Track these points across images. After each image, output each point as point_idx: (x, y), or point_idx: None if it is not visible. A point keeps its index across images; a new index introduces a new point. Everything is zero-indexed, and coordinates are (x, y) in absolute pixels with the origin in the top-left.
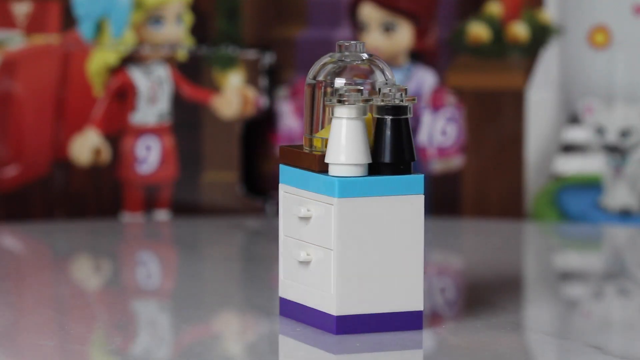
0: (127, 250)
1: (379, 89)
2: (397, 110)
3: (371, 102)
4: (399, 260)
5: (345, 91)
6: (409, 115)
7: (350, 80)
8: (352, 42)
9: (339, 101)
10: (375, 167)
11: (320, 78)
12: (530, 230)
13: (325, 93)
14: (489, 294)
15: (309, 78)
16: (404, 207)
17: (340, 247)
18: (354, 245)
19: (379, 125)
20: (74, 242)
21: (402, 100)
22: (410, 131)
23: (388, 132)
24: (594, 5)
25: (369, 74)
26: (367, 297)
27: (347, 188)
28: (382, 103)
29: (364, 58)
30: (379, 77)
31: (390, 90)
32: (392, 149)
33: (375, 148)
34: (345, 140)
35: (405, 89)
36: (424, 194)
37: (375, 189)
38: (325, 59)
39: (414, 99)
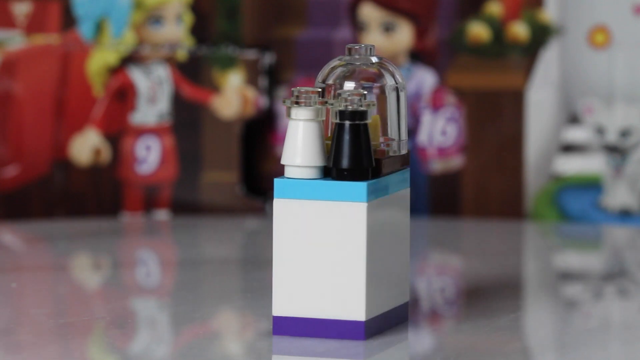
0: (126, 249)
1: (338, 94)
2: (356, 116)
3: (327, 105)
4: (338, 268)
5: (303, 92)
6: (368, 121)
7: (359, 84)
8: (362, 45)
9: (296, 103)
10: (333, 172)
11: (330, 82)
12: (530, 230)
13: (335, 97)
14: (488, 294)
15: (318, 82)
16: (344, 213)
17: (276, 248)
18: (290, 248)
19: (337, 130)
20: (73, 241)
21: (361, 105)
22: (369, 136)
23: (347, 137)
24: (594, 5)
25: (378, 77)
26: (302, 300)
27: (284, 189)
28: (341, 108)
29: (374, 62)
30: (388, 81)
31: (349, 94)
32: (351, 155)
33: (333, 153)
34: (301, 142)
35: (365, 94)
36: (425, 195)
37: (315, 192)
38: (335, 62)
39: (372, 104)
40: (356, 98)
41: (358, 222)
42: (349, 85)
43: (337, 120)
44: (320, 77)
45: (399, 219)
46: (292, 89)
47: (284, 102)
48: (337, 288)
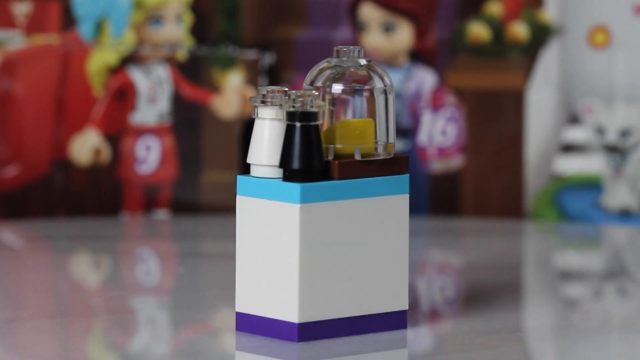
0: (126, 248)
1: (289, 95)
2: (307, 117)
3: (282, 107)
4: (278, 268)
5: (269, 92)
6: (319, 122)
7: (348, 86)
8: (350, 47)
9: (262, 102)
10: (284, 173)
11: (319, 84)
12: (530, 230)
13: (323, 99)
14: (488, 293)
15: (306, 84)
16: (283, 214)
17: (238, 245)
18: (248, 245)
19: (288, 131)
20: (73, 239)
21: (312, 106)
22: (320, 137)
23: (297, 139)
24: (594, 5)
25: (367, 79)
26: (256, 298)
27: (245, 187)
28: (291, 109)
29: (363, 64)
30: (377, 83)
31: (300, 95)
32: (301, 156)
33: (284, 154)
34: (267, 141)
35: (317, 95)
36: (425, 195)
37: (266, 191)
38: (323, 64)
39: (323, 105)
40: (307, 99)
41: (292, 224)
42: (337, 87)
43: (287, 121)
44: (308, 79)
45: (372, 225)
46: (259, 87)
47: (250, 101)
48: (277, 288)
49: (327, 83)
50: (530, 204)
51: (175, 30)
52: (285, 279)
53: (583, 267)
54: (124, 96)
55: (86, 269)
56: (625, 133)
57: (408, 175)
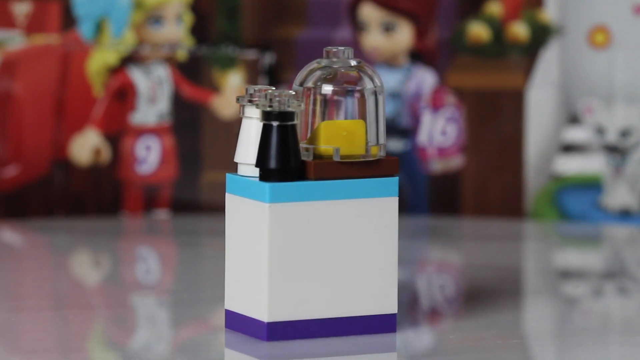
0: (126, 246)
1: (265, 95)
2: (284, 116)
3: (259, 107)
4: (253, 267)
5: (256, 91)
6: (296, 122)
7: (338, 86)
8: (340, 48)
9: (250, 101)
10: (260, 173)
11: (309, 85)
12: (530, 229)
13: (315, 100)
14: (488, 293)
15: (296, 84)
16: (256, 213)
17: (226, 242)
18: (231, 242)
19: (264, 130)
20: (73, 238)
21: (288, 106)
22: (297, 137)
23: (274, 138)
24: (594, 5)
25: (357, 80)
26: (238, 296)
27: (231, 185)
28: (268, 109)
29: (353, 64)
30: (367, 84)
31: (277, 95)
32: (278, 155)
33: (260, 153)
34: (254, 140)
35: (293, 95)
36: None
37: (246, 190)
38: (313, 65)
39: (299, 105)
40: (284, 99)
41: (263, 223)
42: (327, 88)
43: (264, 121)
44: (298, 80)
45: (353, 227)
46: (247, 87)
47: (237, 100)
48: (252, 287)
49: (317, 84)
50: (530, 204)
51: (175, 30)
52: (258, 277)
53: (583, 266)
54: (124, 96)
55: (86, 268)
56: (625, 133)
57: (396, 178)
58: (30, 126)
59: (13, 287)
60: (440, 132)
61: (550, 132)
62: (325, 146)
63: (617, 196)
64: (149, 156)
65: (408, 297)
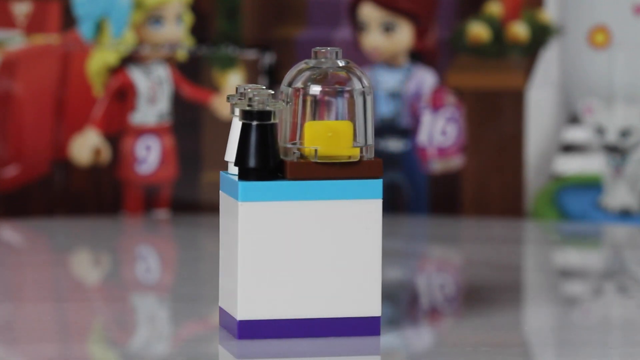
0: (126, 245)
1: (245, 93)
2: (263, 116)
3: (236, 106)
4: (230, 265)
5: (256, 94)
6: (275, 121)
7: (328, 87)
8: (328, 48)
9: (240, 100)
10: (239, 172)
11: (297, 85)
12: (530, 228)
13: (303, 101)
14: (488, 291)
15: (284, 85)
16: (234, 212)
17: (220, 240)
18: (221, 240)
19: (244, 130)
20: (73, 237)
21: (267, 105)
22: (276, 136)
23: (253, 137)
24: (594, 5)
25: (346, 81)
26: (222, 293)
27: (223, 184)
28: (247, 108)
29: (341, 65)
30: (356, 85)
31: (256, 94)
32: (257, 154)
33: (239, 152)
34: None
35: (272, 93)
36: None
37: (230, 189)
38: (301, 65)
39: (278, 104)
40: (263, 98)
41: (235, 221)
42: (315, 88)
43: (243, 120)
44: (286, 80)
45: (332, 229)
46: (237, 86)
47: (228, 99)
48: (230, 285)
49: (306, 84)
50: (530, 204)
51: (175, 30)
52: (233, 275)
53: (583, 265)
54: (124, 96)
55: (86, 267)
56: (625, 133)
57: (380, 180)
58: (30, 126)
59: (13, 286)
60: (440, 132)
61: (550, 132)
62: (307, 147)
63: (617, 196)
64: (149, 156)
65: (408, 296)
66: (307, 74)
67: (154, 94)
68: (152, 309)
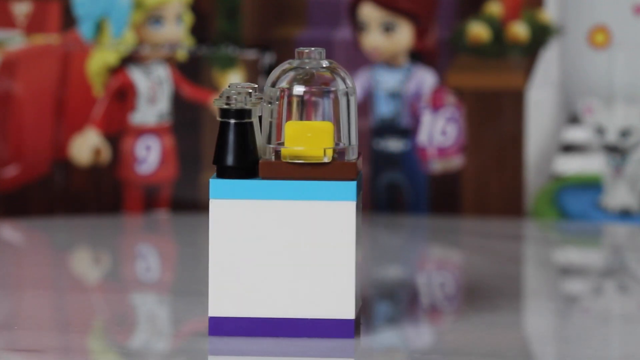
0: (126, 244)
1: (222, 92)
2: (241, 114)
3: (215, 104)
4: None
5: (234, 93)
6: (253, 119)
7: (312, 88)
8: (312, 49)
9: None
10: (217, 170)
11: (281, 85)
12: (530, 227)
13: (287, 101)
14: (488, 290)
15: (268, 85)
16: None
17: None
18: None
19: (222, 128)
20: (73, 236)
21: (246, 104)
22: (254, 135)
23: (231, 136)
24: (594, 5)
25: (330, 81)
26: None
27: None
28: (225, 106)
29: (325, 65)
30: (340, 85)
31: (234, 93)
32: (235, 153)
33: (217, 151)
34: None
35: (250, 92)
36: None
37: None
38: (285, 65)
39: (257, 102)
40: (242, 96)
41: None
42: (299, 89)
43: (221, 119)
44: (270, 81)
45: (302, 229)
46: (230, 84)
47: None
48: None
49: (290, 84)
50: (530, 204)
51: (175, 30)
52: (209, 274)
53: (583, 264)
54: (124, 96)
55: (86, 266)
56: (625, 133)
57: (353, 182)
58: (30, 126)
59: (13, 284)
60: (440, 132)
61: (550, 132)
62: (281, 146)
63: (617, 196)
64: (149, 156)
65: (408, 294)
66: (291, 74)
67: (154, 94)
68: (152, 307)
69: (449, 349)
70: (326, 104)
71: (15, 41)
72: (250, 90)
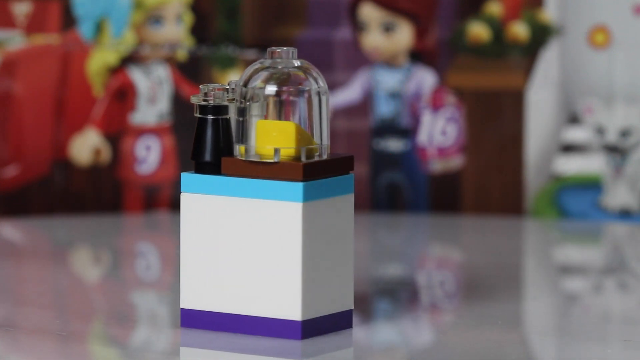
0: (126, 243)
1: (200, 89)
2: (218, 110)
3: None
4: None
5: (211, 90)
6: (228, 116)
7: (283, 87)
8: (284, 48)
9: (205, 100)
10: (196, 166)
11: (253, 84)
12: (530, 226)
13: (262, 101)
14: (488, 288)
15: (239, 84)
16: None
17: None
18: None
19: (200, 124)
20: (73, 235)
21: (223, 100)
22: (230, 131)
23: (209, 132)
24: (594, 5)
25: (302, 81)
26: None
27: None
28: (203, 102)
29: (296, 65)
30: (312, 85)
31: (212, 89)
32: (212, 149)
33: (195, 147)
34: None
35: (227, 89)
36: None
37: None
38: (257, 65)
39: (233, 100)
40: (219, 93)
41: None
42: (271, 88)
43: (199, 115)
44: (242, 80)
45: (256, 227)
46: (229, 81)
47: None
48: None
49: (261, 84)
50: (530, 204)
51: (175, 30)
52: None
53: (583, 262)
54: (124, 96)
55: (86, 264)
56: (625, 133)
57: (299, 183)
58: (30, 126)
59: (13, 284)
60: (440, 132)
61: (550, 132)
62: (261, 145)
63: (617, 196)
64: (149, 156)
65: (408, 292)
66: (263, 73)
67: (154, 94)
68: (153, 306)
69: (448, 347)
70: (298, 104)
71: (15, 41)
72: (228, 87)
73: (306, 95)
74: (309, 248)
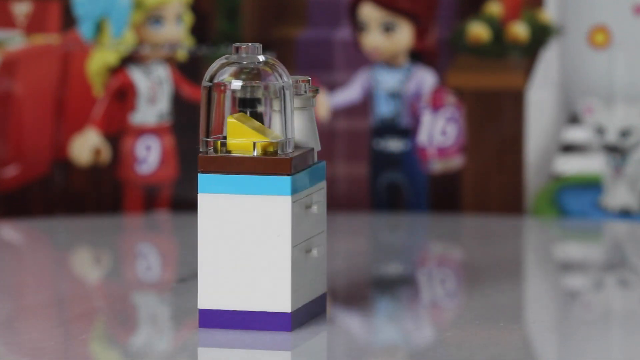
0: (127, 243)
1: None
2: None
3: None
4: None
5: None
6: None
7: (247, 82)
8: (249, 44)
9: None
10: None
11: (219, 80)
12: (530, 225)
13: (225, 96)
14: (488, 285)
15: (206, 80)
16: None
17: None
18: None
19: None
20: (73, 236)
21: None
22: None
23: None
24: (594, 5)
25: (267, 76)
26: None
27: None
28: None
29: (261, 60)
30: (276, 80)
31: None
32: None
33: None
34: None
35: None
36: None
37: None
38: (222, 60)
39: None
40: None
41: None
42: (237, 83)
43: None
44: (207, 76)
45: (239, 222)
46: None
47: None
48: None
49: (227, 79)
50: (530, 204)
51: (175, 30)
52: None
53: (583, 259)
54: (124, 96)
55: (87, 265)
56: (625, 133)
57: (288, 177)
58: (30, 126)
59: (13, 284)
60: (440, 132)
61: (550, 132)
62: (225, 140)
63: (617, 196)
64: (149, 156)
65: (409, 291)
66: (228, 69)
67: (154, 94)
68: (153, 306)
69: (449, 345)
70: (262, 99)
71: (15, 41)
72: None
73: (268, 90)
74: (295, 239)
